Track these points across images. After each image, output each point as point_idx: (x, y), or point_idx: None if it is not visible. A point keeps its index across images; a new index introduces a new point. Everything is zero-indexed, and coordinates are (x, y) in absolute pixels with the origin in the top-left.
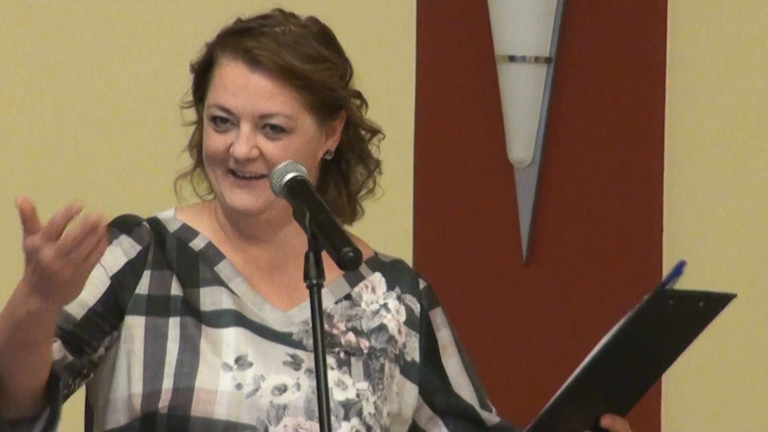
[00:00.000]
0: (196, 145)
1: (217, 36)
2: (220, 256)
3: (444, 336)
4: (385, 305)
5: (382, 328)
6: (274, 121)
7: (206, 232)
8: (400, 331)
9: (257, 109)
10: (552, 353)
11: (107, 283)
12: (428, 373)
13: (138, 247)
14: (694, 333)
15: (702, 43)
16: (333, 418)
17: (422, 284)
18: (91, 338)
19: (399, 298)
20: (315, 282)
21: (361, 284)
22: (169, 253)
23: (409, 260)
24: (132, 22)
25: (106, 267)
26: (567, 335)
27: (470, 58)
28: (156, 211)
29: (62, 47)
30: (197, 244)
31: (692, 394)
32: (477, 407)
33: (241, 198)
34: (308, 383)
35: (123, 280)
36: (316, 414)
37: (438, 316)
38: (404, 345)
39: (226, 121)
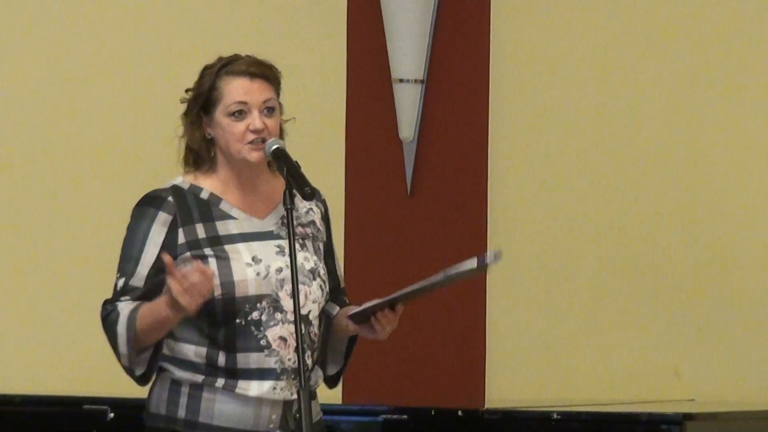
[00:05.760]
0: (203, 139)
1: (214, 72)
2: (219, 199)
3: (332, 230)
4: (311, 209)
5: (313, 222)
6: (270, 104)
7: (207, 187)
8: (319, 224)
9: (261, 97)
10: (428, 251)
11: (156, 253)
12: (328, 250)
13: (170, 217)
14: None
15: (520, 65)
16: (306, 279)
17: (323, 197)
18: (157, 291)
19: (317, 205)
20: (289, 207)
21: (297, 197)
22: (192, 208)
23: (341, 194)
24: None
25: (158, 242)
26: (434, 246)
27: (376, 80)
28: (169, 179)
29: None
30: (204, 195)
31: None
32: (341, 280)
33: (256, 155)
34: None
35: (168, 242)
36: (299, 281)
37: (329, 217)
38: (320, 232)
39: (241, 112)
